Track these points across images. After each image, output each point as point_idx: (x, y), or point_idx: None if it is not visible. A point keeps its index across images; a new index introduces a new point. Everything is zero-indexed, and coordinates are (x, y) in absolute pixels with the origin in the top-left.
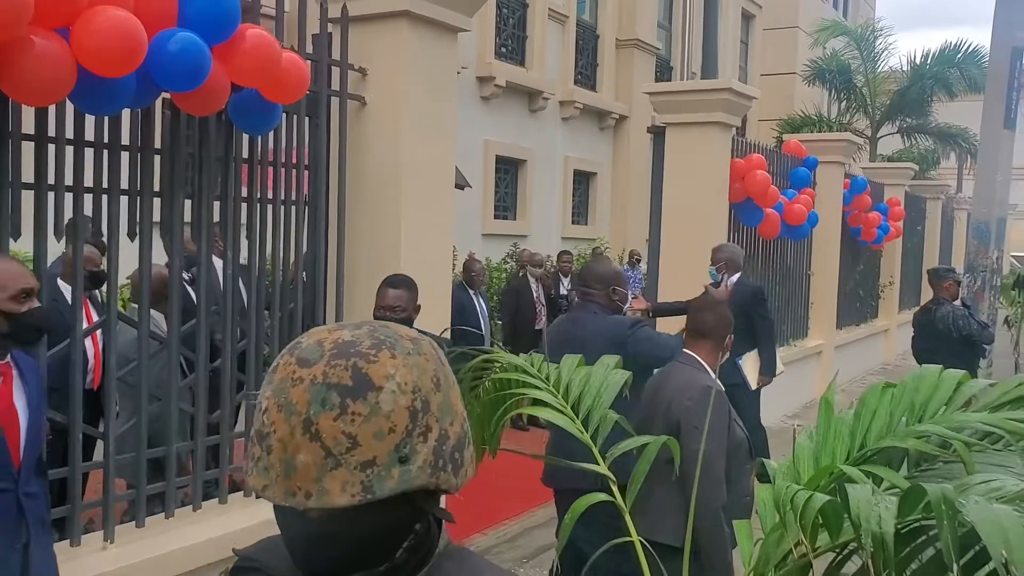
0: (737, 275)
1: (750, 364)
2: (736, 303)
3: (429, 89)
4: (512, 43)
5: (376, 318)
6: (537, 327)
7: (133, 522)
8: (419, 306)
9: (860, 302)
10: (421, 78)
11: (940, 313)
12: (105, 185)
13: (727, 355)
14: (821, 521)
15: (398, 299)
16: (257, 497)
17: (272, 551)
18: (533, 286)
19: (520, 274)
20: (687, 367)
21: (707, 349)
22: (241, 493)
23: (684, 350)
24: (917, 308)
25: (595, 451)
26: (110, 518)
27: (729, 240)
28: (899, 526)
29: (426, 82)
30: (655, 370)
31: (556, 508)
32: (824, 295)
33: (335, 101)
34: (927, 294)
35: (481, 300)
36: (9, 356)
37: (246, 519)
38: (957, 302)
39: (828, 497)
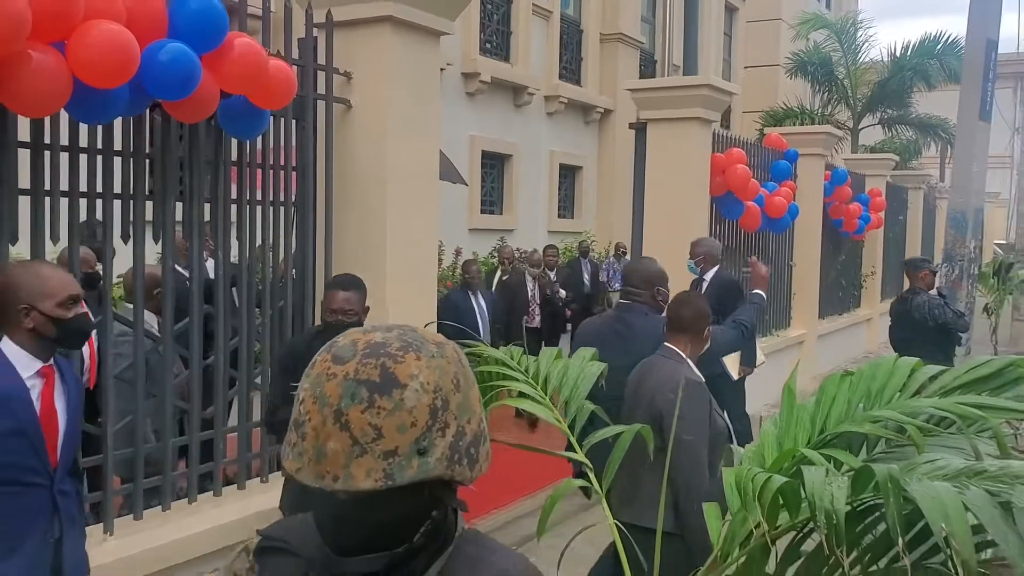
0: (715, 268)
1: (731, 355)
2: (714, 296)
3: (412, 92)
4: (496, 39)
5: (326, 323)
6: (531, 326)
7: (131, 515)
8: (368, 308)
9: (842, 292)
10: (405, 82)
11: (916, 302)
12: (99, 189)
13: (708, 345)
14: (781, 502)
15: (349, 302)
16: (292, 478)
17: (299, 531)
18: (529, 285)
19: (508, 270)
20: (669, 360)
21: (686, 342)
22: (235, 486)
23: (665, 343)
24: (894, 298)
25: (572, 439)
26: (109, 511)
27: (711, 233)
28: (854, 504)
29: (409, 85)
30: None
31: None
32: (806, 285)
33: (321, 104)
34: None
35: (481, 301)
36: (52, 359)
37: (240, 511)
38: (933, 291)
39: (785, 478)
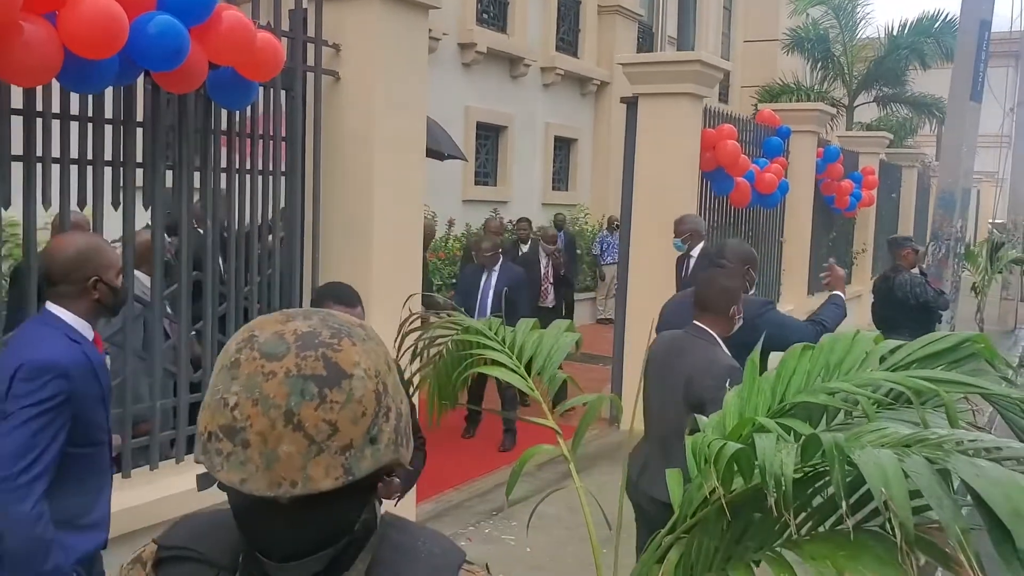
0: (701, 244)
1: None
2: (703, 271)
3: (400, 65)
4: (493, 9)
5: None
6: (543, 305)
7: (120, 473)
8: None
9: None
10: (393, 54)
11: (898, 281)
12: (90, 157)
13: (740, 322)
14: (736, 468)
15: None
16: (223, 489)
17: (207, 537)
18: (543, 262)
19: (517, 246)
20: (700, 340)
21: (714, 321)
22: None
23: (694, 322)
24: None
25: (545, 407)
26: None
27: (700, 208)
28: (805, 470)
29: (397, 58)
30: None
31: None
32: (796, 261)
33: (310, 76)
34: None
35: (492, 277)
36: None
37: None
38: (915, 270)
39: (739, 445)
